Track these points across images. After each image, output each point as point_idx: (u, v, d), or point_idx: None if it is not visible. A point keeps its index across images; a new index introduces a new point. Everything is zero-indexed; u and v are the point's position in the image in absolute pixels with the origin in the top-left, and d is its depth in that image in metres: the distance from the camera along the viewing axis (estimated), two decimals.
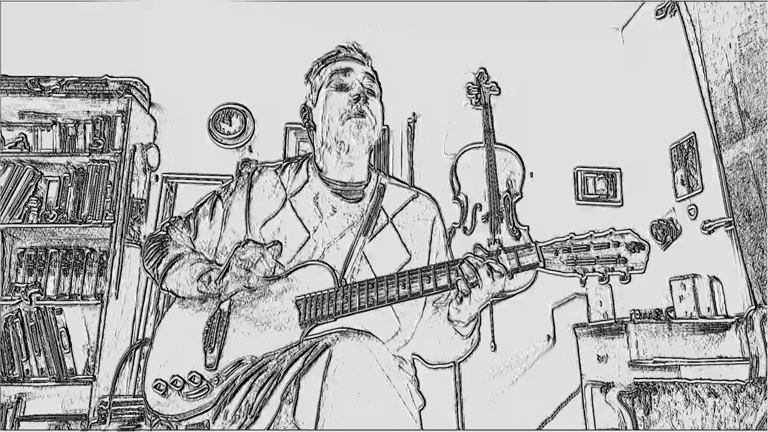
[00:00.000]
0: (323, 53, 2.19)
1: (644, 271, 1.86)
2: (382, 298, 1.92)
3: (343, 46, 2.18)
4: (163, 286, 2.08)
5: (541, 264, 1.87)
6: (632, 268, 1.85)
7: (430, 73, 3.15)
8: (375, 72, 2.18)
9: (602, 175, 3.19)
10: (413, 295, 1.91)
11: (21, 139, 3.03)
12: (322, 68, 2.16)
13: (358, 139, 2.08)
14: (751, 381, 2.45)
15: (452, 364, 2.14)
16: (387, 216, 2.12)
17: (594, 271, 1.85)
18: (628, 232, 1.87)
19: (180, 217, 2.22)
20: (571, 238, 1.88)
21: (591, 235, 1.87)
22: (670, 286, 2.86)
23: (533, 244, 1.89)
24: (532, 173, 3.13)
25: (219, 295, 1.99)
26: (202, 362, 1.94)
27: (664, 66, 3.07)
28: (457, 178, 3.10)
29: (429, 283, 1.90)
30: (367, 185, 2.15)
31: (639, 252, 1.84)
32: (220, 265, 2.05)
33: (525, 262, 1.88)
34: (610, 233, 1.87)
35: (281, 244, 2.02)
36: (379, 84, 2.17)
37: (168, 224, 2.22)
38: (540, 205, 3.11)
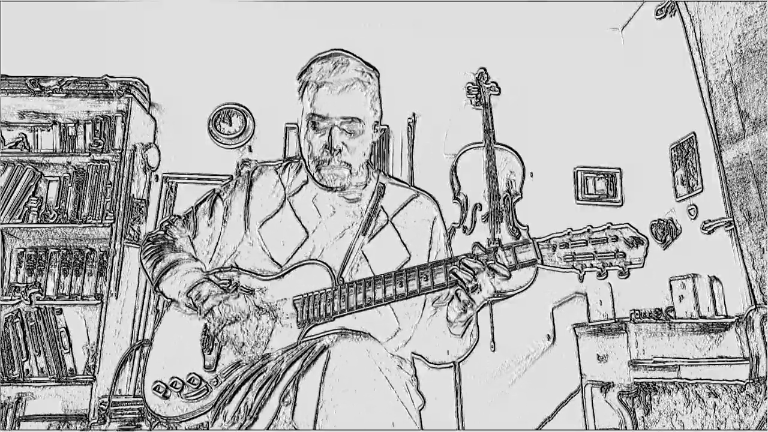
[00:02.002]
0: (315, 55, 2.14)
1: (643, 266, 1.85)
2: (379, 298, 1.92)
3: (331, 56, 2.12)
4: (158, 289, 2.08)
5: (539, 260, 1.87)
6: (631, 263, 1.84)
7: (430, 73, 3.14)
8: (375, 75, 2.13)
9: (602, 175, 3.18)
10: (411, 293, 1.91)
11: (21, 139, 3.03)
12: (305, 89, 2.10)
13: (336, 183, 2.06)
14: (751, 381, 2.45)
15: (452, 363, 2.14)
16: (387, 216, 2.11)
17: (592, 266, 1.85)
18: (626, 226, 1.86)
19: (179, 216, 2.21)
20: (568, 233, 1.88)
21: (589, 230, 1.87)
22: (670, 286, 2.85)
23: (531, 241, 1.88)
24: (532, 173, 3.13)
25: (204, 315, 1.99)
26: (201, 364, 1.95)
27: (664, 66, 3.06)
28: (457, 178, 3.10)
29: (426, 281, 1.90)
30: (366, 185, 2.14)
31: (637, 247, 1.84)
32: (216, 270, 2.05)
33: (523, 258, 1.88)
34: (608, 228, 1.86)
35: (264, 290, 2.01)
36: (377, 93, 2.12)
37: (167, 223, 2.21)
38: (540, 205, 3.10)
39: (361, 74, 2.08)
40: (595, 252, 1.84)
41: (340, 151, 2.03)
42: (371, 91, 2.08)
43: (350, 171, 2.06)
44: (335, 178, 2.05)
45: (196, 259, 2.11)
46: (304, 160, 2.12)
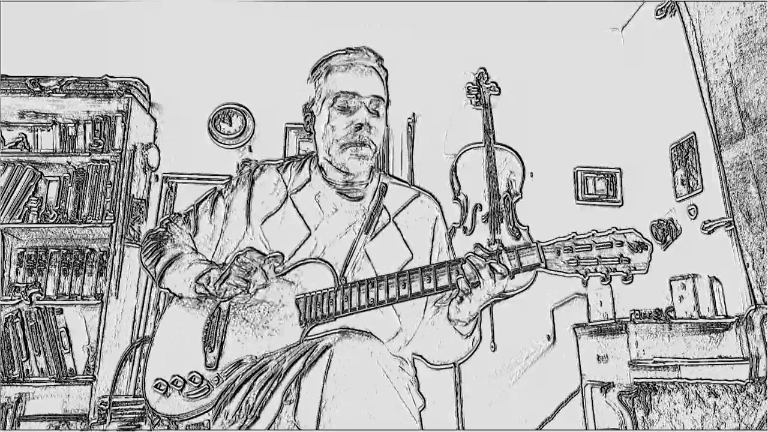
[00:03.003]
0: (327, 52, 2.16)
1: (647, 272, 1.84)
2: (382, 298, 1.91)
3: (353, 49, 2.14)
4: (161, 285, 2.08)
5: (543, 264, 1.86)
6: (634, 269, 1.83)
7: (430, 73, 3.14)
8: (386, 72, 2.16)
9: (602, 175, 3.19)
10: (413, 294, 1.91)
11: (21, 139, 3.03)
12: (328, 75, 2.12)
13: (358, 164, 2.07)
14: (751, 381, 2.45)
15: (453, 364, 2.14)
16: (389, 215, 2.11)
17: (596, 271, 1.84)
18: (631, 231, 1.85)
19: (179, 214, 2.21)
20: (572, 237, 1.87)
21: (593, 235, 1.85)
22: (670, 286, 2.85)
23: (535, 244, 1.88)
24: (532, 173, 3.13)
25: (217, 296, 1.98)
26: (202, 362, 1.94)
27: (664, 66, 3.07)
28: (457, 178, 3.10)
29: (429, 282, 1.90)
30: (369, 184, 2.14)
31: (642, 252, 1.82)
32: (219, 264, 2.05)
33: (526, 262, 1.87)
34: (613, 232, 1.85)
35: (282, 255, 2.01)
36: (387, 88, 2.15)
37: (167, 221, 2.21)
38: (540, 205, 3.10)
39: (380, 67, 2.14)
40: (600, 257, 1.83)
41: (370, 128, 2.04)
42: (386, 85, 2.12)
43: (374, 153, 2.07)
44: (359, 158, 2.05)
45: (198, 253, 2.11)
46: (318, 149, 2.12)
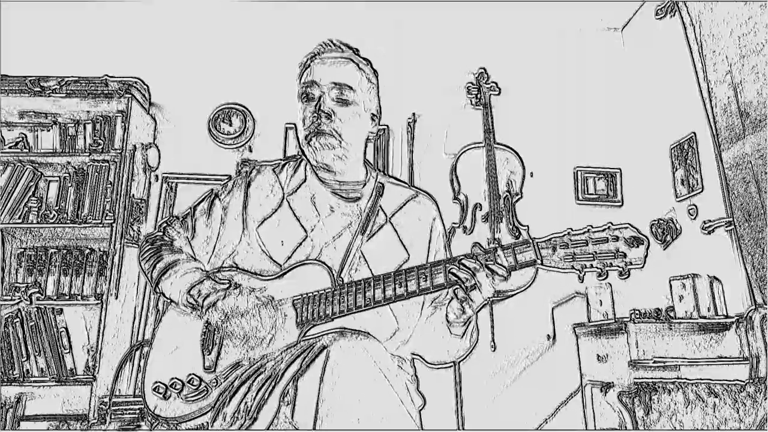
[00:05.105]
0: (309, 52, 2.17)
1: (643, 267, 1.84)
2: (378, 298, 1.91)
3: (321, 44, 2.15)
4: (158, 290, 2.07)
5: (539, 261, 1.86)
6: (631, 263, 1.82)
7: (430, 73, 3.15)
8: (368, 62, 2.15)
9: (602, 175, 3.19)
10: (410, 294, 1.90)
11: (21, 139, 3.03)
12: (302, 73, 2.13)
13: (328, 158, 2.05)
14: (751, 381, 2.45)
15: (452, 364, 2.13)
16: (385, 215, 2.11)
17: (592, 266, 1.83)
18: (627, 226, 1.84)
19: (177, 217, 2.21)
20: (568, 233, 1.86)
21: (589, 230, 1.85)
22: (670, 286, 2.85)
23: (530, 241, 1.87)
24: (532, 173, 3.13)
25: (204, 310, 1.98)
26: (201, 364, 1.94)
27: (664, 66, 3.06)
28: (457, 178, 3.10)
29: (426, 281, 1.89)
30: (365, 184, 2.14)
31: (638, 247, 1.82)
32: (214, 271, 2.05)
33: (522, 259, 1.86)
34: (608, 228, 1.85)
35: (274, 300, 2.00)
36: (369, 78, 2.13)
37: (165, 224, 2.21)
38: (540, 205, 3.11)
39: (356, 58, 2.12)
40: (596, 252, 1.83)
41: (329, 117, 2.03)
42: (366, 75, 2.11)
43: (340, 144, 2.04)
44: (324, 147, 2.03)
45: (195, 259, 2.10)
46: (301, 148, 2.12)
